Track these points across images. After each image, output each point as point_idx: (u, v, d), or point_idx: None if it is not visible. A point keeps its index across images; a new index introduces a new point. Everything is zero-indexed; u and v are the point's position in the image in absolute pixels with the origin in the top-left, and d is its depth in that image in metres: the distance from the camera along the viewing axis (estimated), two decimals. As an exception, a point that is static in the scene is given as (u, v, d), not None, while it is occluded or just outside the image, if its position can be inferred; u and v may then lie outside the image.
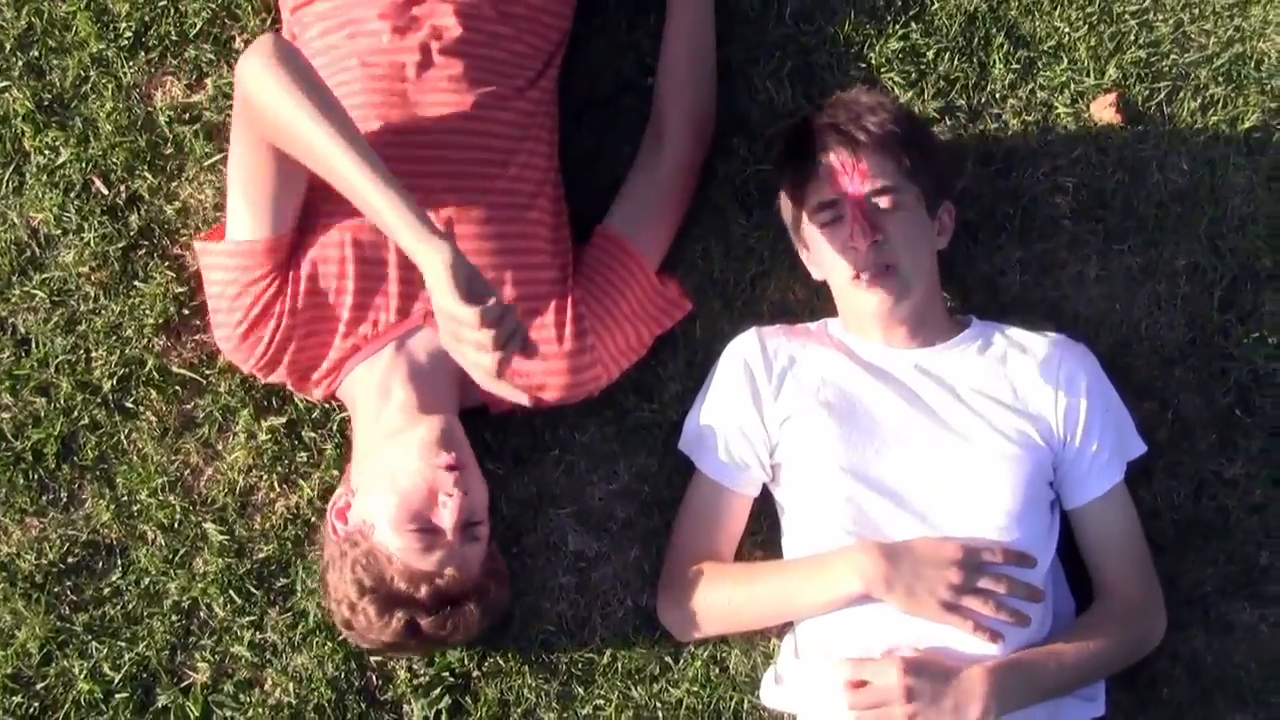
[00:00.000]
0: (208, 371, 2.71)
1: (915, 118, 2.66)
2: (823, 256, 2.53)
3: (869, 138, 2.47)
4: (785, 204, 2.61)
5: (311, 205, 2.48)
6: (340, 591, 2.39)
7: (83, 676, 2.65)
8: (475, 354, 2.12)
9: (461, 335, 2.12)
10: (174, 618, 2.67)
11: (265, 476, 2.70)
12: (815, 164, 2.49)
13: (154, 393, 2.71)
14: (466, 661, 2.66)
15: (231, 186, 2.46)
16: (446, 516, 2.33)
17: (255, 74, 2.27)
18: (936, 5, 2.80)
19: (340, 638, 2.63)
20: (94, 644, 2.66)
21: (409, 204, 2.17)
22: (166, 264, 2.74)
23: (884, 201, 2.46)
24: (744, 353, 2.59)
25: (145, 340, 2.72)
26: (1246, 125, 2.78)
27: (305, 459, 2.70)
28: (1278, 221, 2.76)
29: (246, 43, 2.78)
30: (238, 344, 2.50)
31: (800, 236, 2.59)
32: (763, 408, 2.55)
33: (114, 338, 2.72)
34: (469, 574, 2.38)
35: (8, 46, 2.79)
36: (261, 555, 2.69)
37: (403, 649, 2.51)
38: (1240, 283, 2.75)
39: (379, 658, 2.63)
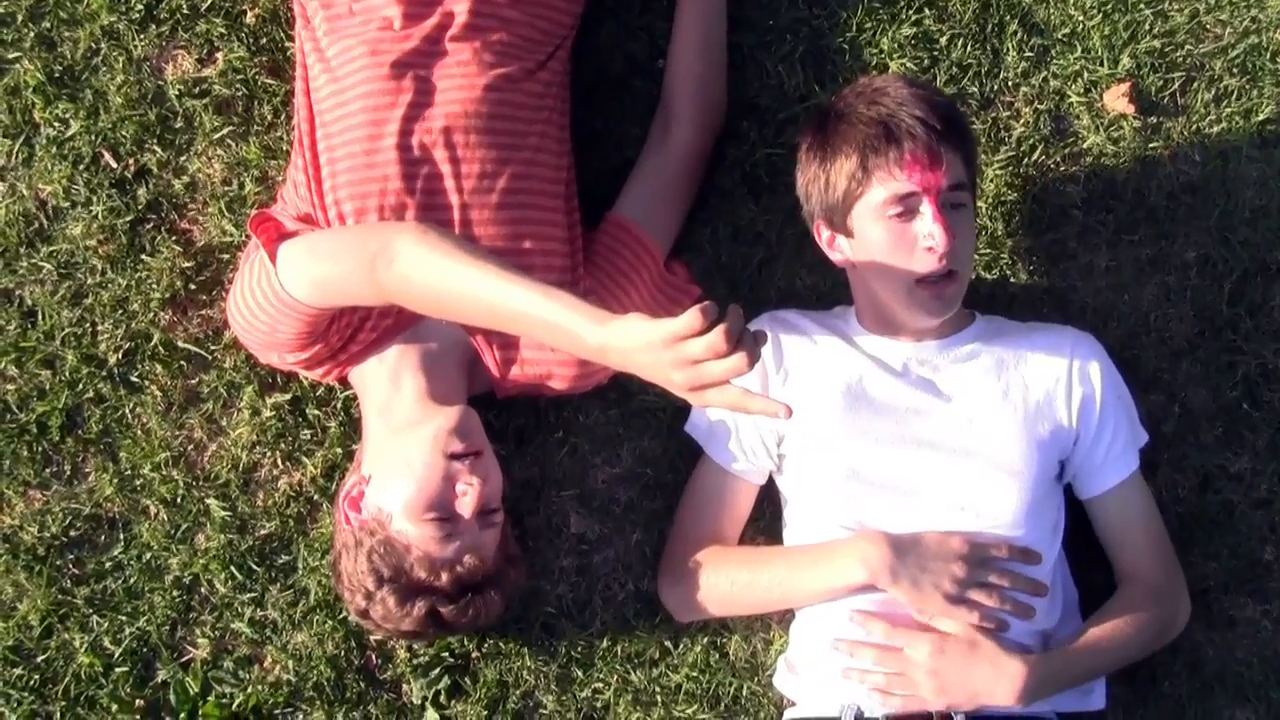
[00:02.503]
0: (213, 347, 2.71)
1: (964, 113, 2.63)
2: (880, 250, 2.41)
3: (946, 127, 2.37)
4: (826, 185, 2.45)
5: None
6: (356, 581, 2.38)
7: (83, 650, 2.66)
8: (715, 367, 1.97)
9: (685, 353, 1.97)
10: (175, 593, 2.67)
11: (269, 453, 2.70)
12: (891, 150, 2.35)
13: (159, 367, 2.71)
14: (466, 642, 2.66)
15: (316, 257, 2.33)
16: (467, 505, 2.33)
17: (411, 265, 2.20)
18: (950, -9, 2.80)
19: (341, 616, 2.64)
20: (95, 617, 2.67)
21: (575, 303, 2.09)
22: (174, 238, 2.73)
23: (957, 200, 2.39)
24: (757, 340, 2.57)
25: (151, 314, 2.72)
26: (1260, 117, 2.76)
27: (309, 436, 2.70)
28: (1290, 215, 2.75)
29: (258, 18, 2.78)
30: (262, 351, 2.52)
31: (841, 223, 2.45)
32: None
33: (120, 311, 2.72)
34: (488, 560, 2.38)
35: (19, 18, 2.79)
36: (264, 532, 2.69)
37: (421, 637, 2.51)
38: (1250, 276, 2.73)
39: (379, 637, 2.63)
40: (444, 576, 2.34)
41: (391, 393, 2.47)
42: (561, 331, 2.09)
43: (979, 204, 2.70)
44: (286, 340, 2.43)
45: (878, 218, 2.39)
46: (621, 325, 2.02)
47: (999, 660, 2.34)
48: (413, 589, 2.35)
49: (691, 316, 1.93)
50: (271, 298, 2.35)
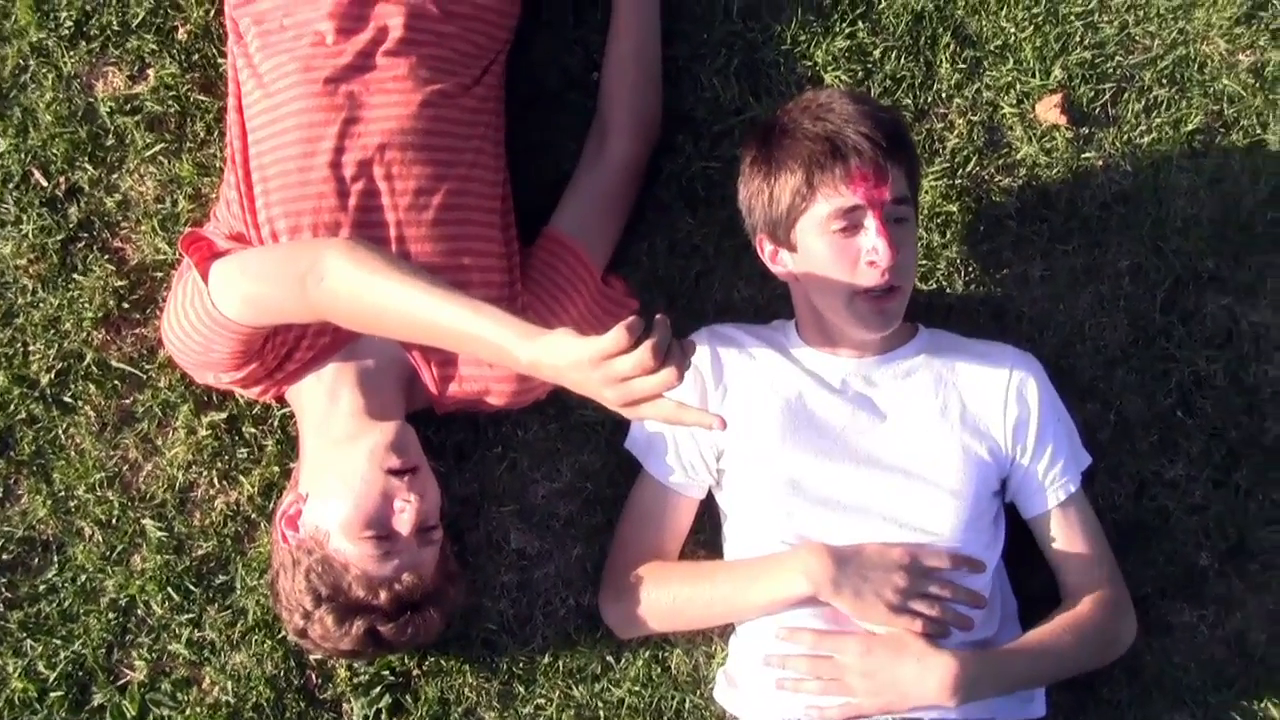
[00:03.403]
0: (147, 366, 2.68)
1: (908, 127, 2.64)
2: (821, 264, 2.41)
3: (889, 143, 2.38)
4: (770, 200, 2.45)
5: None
6: (294, 600, 2.36)
7: (17, 675, 2.62)
8: (645, 382, 1.97)
9: (613, 371, 1.97)
10: (111, 615, 2.64)
11: (205, 472, 2.68)
12: (836, 166, 2.36)
13: (93, 387, 2.68)
14: (407, 660, 2.65)
15: (248, 276, 2.30)
16: (405, 522, 2.32)
17: (340, 282, 2.18)
18: (883, 4, 2.81)
19: (280, 635, 2.62)
20: (29, 641, 2.63)
21: (505, 319, 2.08)
22: (106, 257, 2.71)
23: (900, 214, 2.40)
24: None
25: (84, 334, 2.69)
26: (1190, 127, 2.79)
27: (246, 455, 2.68)
28: (1220, 224, 2.77)
29: (190, 34, 2.76)
30: (197, 370, 2.51)
31: (785, 238, 2.46)
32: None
33: (52, 331, 2.69)
34: (427, 578, 2.36)
35: (-54, 35, 2.77)
36: (201, 552, 2.66)
37: (361, 656, 2.50)
38: (1183, 284, 2.76)
39: (319, 657, 2.61)
40: (382, 595, 2.32)
41: (329, 410, 2.45)
42: (492, 347, 2.08)
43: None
44: (221, 359, 2.41)
45: (821, 232, 2.39)
46: (550, 342, 2.01)
47: (926, 657, 2.34)
48: (351, 608, 2.33)
49: (617, 334, 1.93)
50: (205, 317, 2.33)
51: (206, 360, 2.43)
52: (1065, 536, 2.54)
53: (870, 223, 2.36)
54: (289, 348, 2.44)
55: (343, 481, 2.34)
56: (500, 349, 2.07)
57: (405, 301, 2.13)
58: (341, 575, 2.32)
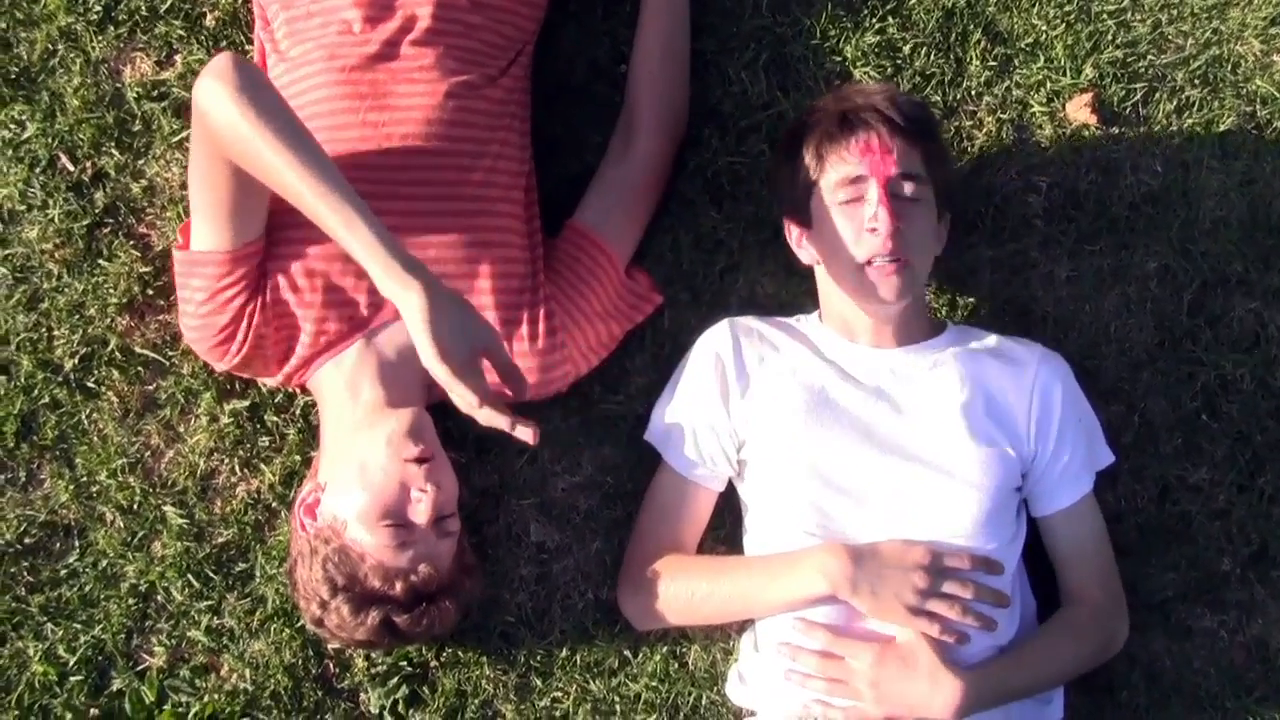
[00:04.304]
0: (170, 353, 2.69)
1: (935, 117, 2.64)
2: (831, 236, 2.45)
3: (904, 121, 2.43)
4: (791, 177, 2.51)
5: (277, 212, 2.44)
6: (310, 589, 2.37)
7: (37, 658, 2.64)
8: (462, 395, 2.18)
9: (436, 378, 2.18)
10: (131, 601, 2.65)
11: (226, 460, 2.68)
12: (845, 137, 2.42)
13: (116, 373, 2.69)
14: (424, 651, 2.65)
15: (192, 196, 2.40)
16: (422, 511, 2.32)
17: (216, 101, 2.20)
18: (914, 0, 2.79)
19: (298, 624, 2.62)
20: (50, 625, 2.65)
21: (382, 240, 2.16)
22: (131, 243, 2.71)
23: (908, 189, 2.42)
24: (716, 345, 2.56)
25: (108, 319, 2.69)
26: (1221, 129, 2.77)
27: (267, 443, 2.68)
28: (1249, 227, 2.75)
29: (218, 20, 2.76)
30: (210, 349, 2.49)
31: (804, 214, 2.50)
32: (731, 404, 2.53)
33: (77, 316, 2.70)
34: (443, 569, 2.36)
35: (-26, 19, 2.77)
36: (221, 540, 2.67)
37: (376, 646, 2.50)
38: (1210, 287, 2.74)
39: (336, 646, 2.62)
40: (398, 585, 2.32)
41: (348, 399, 2.45)
42: (355, 256, 2.19)
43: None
44: (224, 324, 2.43)
45: (831, 202, 2.44)
46: (402, 301, 2.15)
47: (937, 675, 2.34)
48: (367, 598, 2.33)
49: (454, 387, 2.19)
50: (195, 272, 2.40)
51: (215, 326, 2.44)
52: (1073, 537, 2.54)
53: (873, 192, 2.39)
54: (288, 323, 2.46)
55: (360, 470, 2.34)
56: (366, 264, 2.18)
57: (279, 165, 2.20)
58: (358, 565, 2.33)
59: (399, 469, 2.33)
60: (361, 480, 2.33)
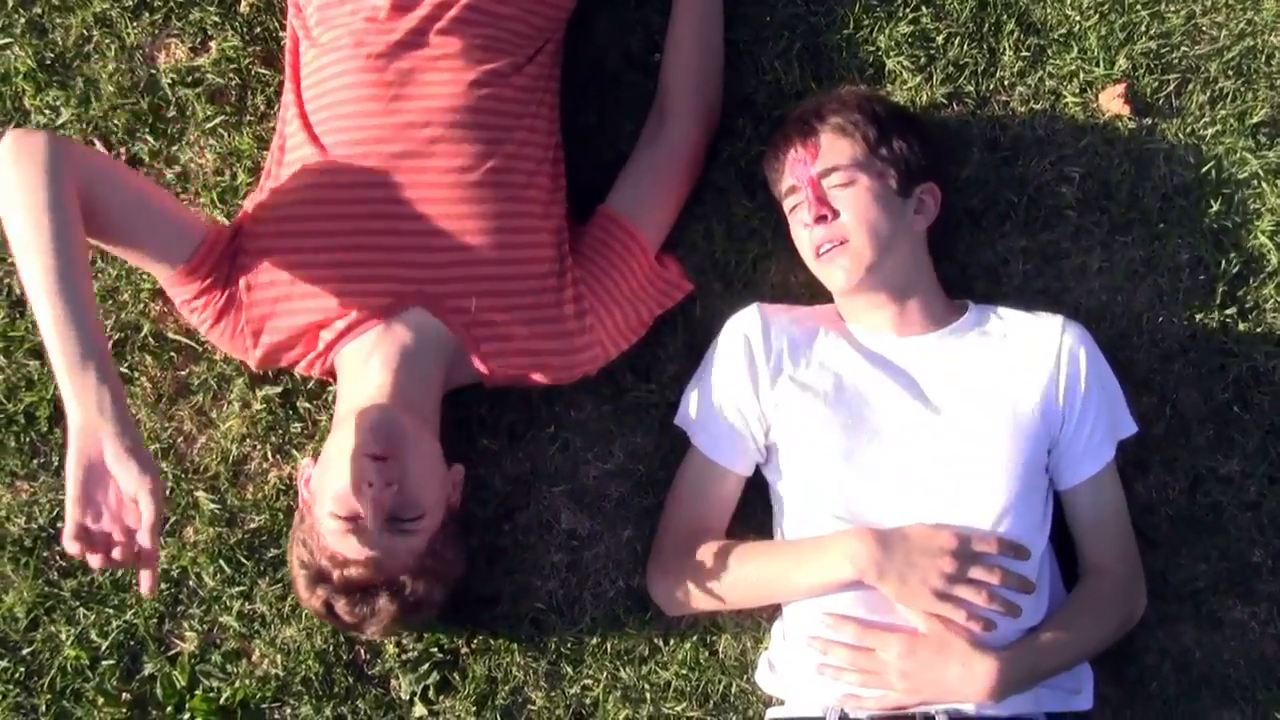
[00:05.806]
0: (203, 339, 2.69)
1: (888, 103, 2.64)
2: (797, 241, 2.59)
3: (822, 124, 2.53)
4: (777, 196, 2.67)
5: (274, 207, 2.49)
6: (290, 556, 2.43)
7: (70, 642, 2.65)
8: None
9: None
10: (163, 586, 2.66)
11: (259, 446, 2.69)
12: (778, 157, 2.58)
13: (149, 358, 2.70)
14: (455, 638, 2.66)
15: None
16: (364, 506, 2.29)
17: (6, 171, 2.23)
18: (947, -11, 2.79)
19: (330, 610, 2.63)
20: (82, 610, 2.66)
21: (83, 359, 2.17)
22: (164, 229, 2.71)
23: (837, 180, 2.50)
24: (745, 329, 2.57)
25: (142, 305, 2.70)
26: (1255, 120, 2.76)
27: (299, 430, 2.69)
28: (1282, 218, 2.75)
29: (252, 6, 2.77)
30: (232, 352, 2.55)
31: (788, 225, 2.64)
32: (760, 388, 2.54)
33: (110, 302, 2.70)
34: (389, 567, 2.34)
35: (10, 3, 2.78)
36: (253, 525, 2.68)
37: (338, 625, 2.47)
38: (1243, 278, 2.74)
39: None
40: (336, 572, 2.35)
41: (358, 384, 2.46)
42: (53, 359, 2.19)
43: (971, 202, 2.71)
44: (222, 329, 2.50)
45: (787, 211, 2.61)
46: (74, 420, 2.16)
47: (970, 659, 2.34)
48: (316, 576, 2.37)
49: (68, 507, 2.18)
50: (170, 296, 2.52)
51: (223, 340, 2.52)
52: (1096, 507, 2.54)
53: (804, 194, 2.53)
54: (290, 315, 2.48)
55: (331, 454, 2.36)
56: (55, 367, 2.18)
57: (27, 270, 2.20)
58: (315, 543, 2.36)
59: (358, 461, 2.31)
60: (328, 464, 2.35)
